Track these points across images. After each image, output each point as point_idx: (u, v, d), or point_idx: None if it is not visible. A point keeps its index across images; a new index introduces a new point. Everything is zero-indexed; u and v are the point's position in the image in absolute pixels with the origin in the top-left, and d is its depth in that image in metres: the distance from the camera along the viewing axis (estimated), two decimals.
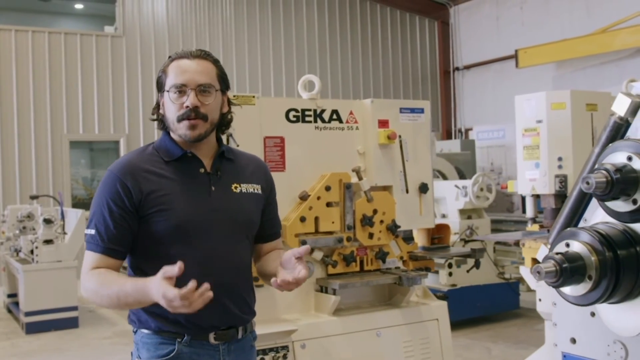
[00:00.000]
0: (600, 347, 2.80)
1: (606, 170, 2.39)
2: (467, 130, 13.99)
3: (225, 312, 2.24)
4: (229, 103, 2.37)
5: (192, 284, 1.87)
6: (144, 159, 2.26)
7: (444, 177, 7.94)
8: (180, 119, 2.20)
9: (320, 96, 3.86)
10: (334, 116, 3.84)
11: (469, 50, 14.22)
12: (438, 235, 4.31)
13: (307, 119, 3.77)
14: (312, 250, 3.69)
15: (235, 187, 2.32)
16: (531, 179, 4.62)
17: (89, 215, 2.26)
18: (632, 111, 2.69)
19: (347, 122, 3.88)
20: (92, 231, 2.19)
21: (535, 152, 4.57)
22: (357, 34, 13.72)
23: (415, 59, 14.46)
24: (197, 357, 2.22)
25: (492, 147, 10.88)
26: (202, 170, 2.28)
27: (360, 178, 3.76)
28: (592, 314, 2.85)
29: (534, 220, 4.83)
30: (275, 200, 2.51)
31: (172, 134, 2.29)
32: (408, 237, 4.08)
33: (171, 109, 2.23)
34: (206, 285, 1.91)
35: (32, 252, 7.98)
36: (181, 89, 2.20)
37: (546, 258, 2.61)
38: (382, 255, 3.85)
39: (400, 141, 3.93)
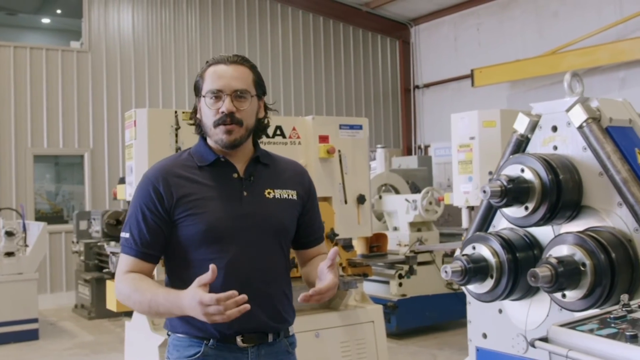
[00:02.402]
0: (507, 341, 3.13)
1: (500, 180, 2.73)
2: (426, 147, 14.37)
3: (251, 317, 2.15)
4: (266, 108, 2.39)
5: (231, 292, 1.92)
6: (178, 164, 2.30)
7: (397, 192, 8.26)
8: (216, 125, 2.22)
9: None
10: (278, 132, 4.12)
11: (429, 69, 14.64)
12: (377, 243, 4.60)
13: None
14: None
15: (269, 193, 2.32)
16: (465, 192, 4.95)
17: (125, 219, 2.31)
18: (531, 128, 3.06)
19: (290, 137, 4.16)
20: (127, 235, 2.24)
21: (469, 167, 4.90)
22: (321, 53, 14.04)
23: (377, 77, 14.83)
24: None
25: (448, 163, 11.24)
26: (235, 175, 2.29)
27: None
28: (500, 311, 3.18)
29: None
30: (316, 205, 2.50)
31: (208, 140, 2.32)
32: (348, 245, 4.36)
33: (208, 115, 2.25)
34: (244, 296, 1.94)
35: None
36: (217, 95, 2.22)
37: (454, 259, 2.94)
38: None
39: (340, 155, 4.23)
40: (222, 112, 2.21)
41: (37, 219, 10.78)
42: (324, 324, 4.02)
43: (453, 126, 5.02)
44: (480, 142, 4.83)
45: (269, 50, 13.42)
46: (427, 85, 14.67)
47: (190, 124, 2.39)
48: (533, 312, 3.00)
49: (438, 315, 7.67)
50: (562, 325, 2.17)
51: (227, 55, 2.31)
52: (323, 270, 2.17)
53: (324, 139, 4.19)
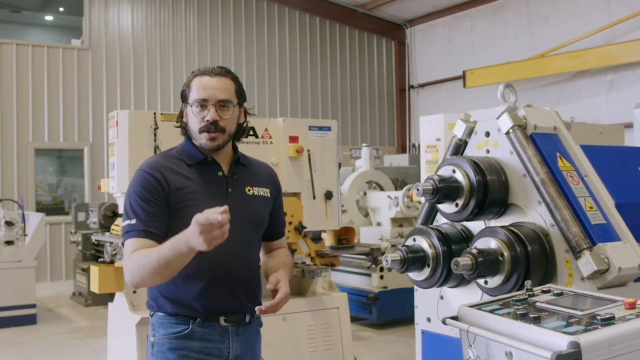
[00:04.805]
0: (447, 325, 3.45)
1: (433, 180, 3.07)
2: (419, 146, 14.63)
3: (234, 300, 2.48)
4: (246, 113, 2.65)
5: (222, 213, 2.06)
6: (169, 160, 2.52)
7: (381, 189, 8.57)
8: (201, 131, 2.45)
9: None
10: (251, 132, 4.45)
11: (423, 70, 14.93)
12: (345, 236, 4.93)
13: None
14: None
15: (249, 190, 2.59)
16: None
17: (123, 213, 2.45)
18: (468, 133, 3.38)
19: (262, 137, 4.49)
20: (133, 220, 2.38)
21: (435, 167, 5.18)
22: (317, 53, 14.35)
23: (372, 77, 15.12)
24: (209, 336, 2.47)
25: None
26: (220, 173, 2.54)
27: None
28: (441, 297, 3.52)
29: None
30: (282, 203, 2.79)
31: (193, 140, 2.54)
32: (317, 238, 4.69)
33: (194, 121, 2.47)
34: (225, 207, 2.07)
35: None
36: (203, 104, 2.45)
37: (395, 249, 3.28)
38: (290, 252, 4.46)
39: (309, 154, 4.56)
40: (207, 120, 2.45)
41: (38, 210, 11.13)
42: (292, 309, 4.34)
43: (422, 128, 5.31)
44: (446, 144, 5.12)
45: (266, 51, 13.72)
46: (421, 86, 14.97)
47: (177, 126, 2.61)
48: (468, 298, 3.31)
49: None
50: (470, 306, 2.50)
51: (212, 67, 2.54)
52: (272, 283, 2.46)
53: (294, 139, 4.52)
